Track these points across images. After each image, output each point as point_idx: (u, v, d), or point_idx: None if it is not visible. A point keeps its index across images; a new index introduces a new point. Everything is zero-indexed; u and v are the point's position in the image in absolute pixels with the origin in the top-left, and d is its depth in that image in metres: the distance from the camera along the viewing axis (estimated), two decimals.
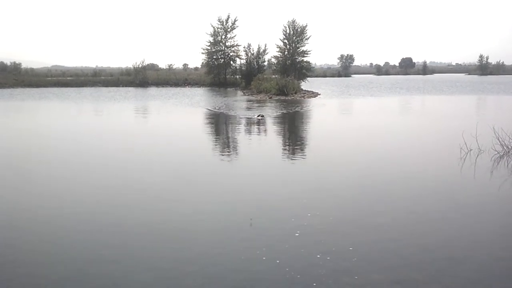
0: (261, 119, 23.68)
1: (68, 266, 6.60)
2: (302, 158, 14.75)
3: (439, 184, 11.06)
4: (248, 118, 24.74)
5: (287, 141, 18.86)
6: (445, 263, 6.62)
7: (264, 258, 6.74)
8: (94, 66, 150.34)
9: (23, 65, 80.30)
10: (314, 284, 5.98)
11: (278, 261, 6.63)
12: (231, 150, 16.24)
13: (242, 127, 21.99)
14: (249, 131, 20.75)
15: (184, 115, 29.47)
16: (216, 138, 19.61)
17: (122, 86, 64.95)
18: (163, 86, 66.36)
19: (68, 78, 73.42)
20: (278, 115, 26.70)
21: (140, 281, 6.16)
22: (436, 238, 7.58)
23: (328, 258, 6.73)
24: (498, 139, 14.27)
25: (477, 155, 13.89)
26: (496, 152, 14.03)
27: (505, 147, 14.20)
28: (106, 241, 7.50)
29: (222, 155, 15.46)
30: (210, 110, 31.01)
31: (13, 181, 11.77)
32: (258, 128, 21.54)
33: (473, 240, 7.60)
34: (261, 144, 17.67)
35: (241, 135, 19.73)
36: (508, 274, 6.38)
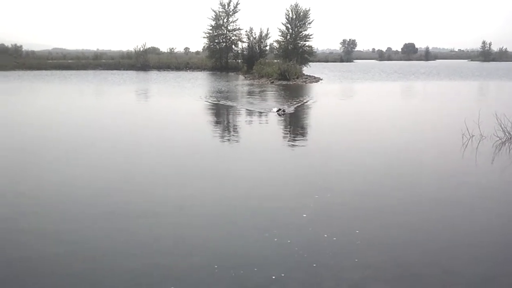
0: (283, 114, 20.15)
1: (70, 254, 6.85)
2: (311, 144, 15.03)
3: (440, 170, 11.26)
4: (265, 112, 21.22)
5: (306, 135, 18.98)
6: (446, 248, 6.84)
7: (275, 239, 6.97)
8: (95, 49, 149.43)
9: (24, 48, 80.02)
10: (314, 265, 6.20)
11: (289, 241, 6.88)
12: (251, 154, 15.41)
13: (267, 127, 18.20)
14: (276, 131, 17.39)
15: (191, 107, 28.81)
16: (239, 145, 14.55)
17: (123, 70, 64.75)
18: (164, 70, 66.18)
19: (69, 61, 73.15)
20: (299, 109, 23.08)
21: (144, 265, 6.33)
22: (438, 223, 7.80)
23: (334, 239, 6.97)
24: (500, 125, 14.42)
25: (479, 141, 14.06)
26: (498, 138, 14.19)
27: (507, 134, 14.34)
28: (104, 224, 7.76)
29: (245, 158, 15.26)
30: (219, 102, 26.17)
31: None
32: (285, 125, 18.57)
33: (474, 225, 7.84)
34: (285, 140, 17.69)
35: (270, 141, 15.10)
36: (507, 258, 6.60)
